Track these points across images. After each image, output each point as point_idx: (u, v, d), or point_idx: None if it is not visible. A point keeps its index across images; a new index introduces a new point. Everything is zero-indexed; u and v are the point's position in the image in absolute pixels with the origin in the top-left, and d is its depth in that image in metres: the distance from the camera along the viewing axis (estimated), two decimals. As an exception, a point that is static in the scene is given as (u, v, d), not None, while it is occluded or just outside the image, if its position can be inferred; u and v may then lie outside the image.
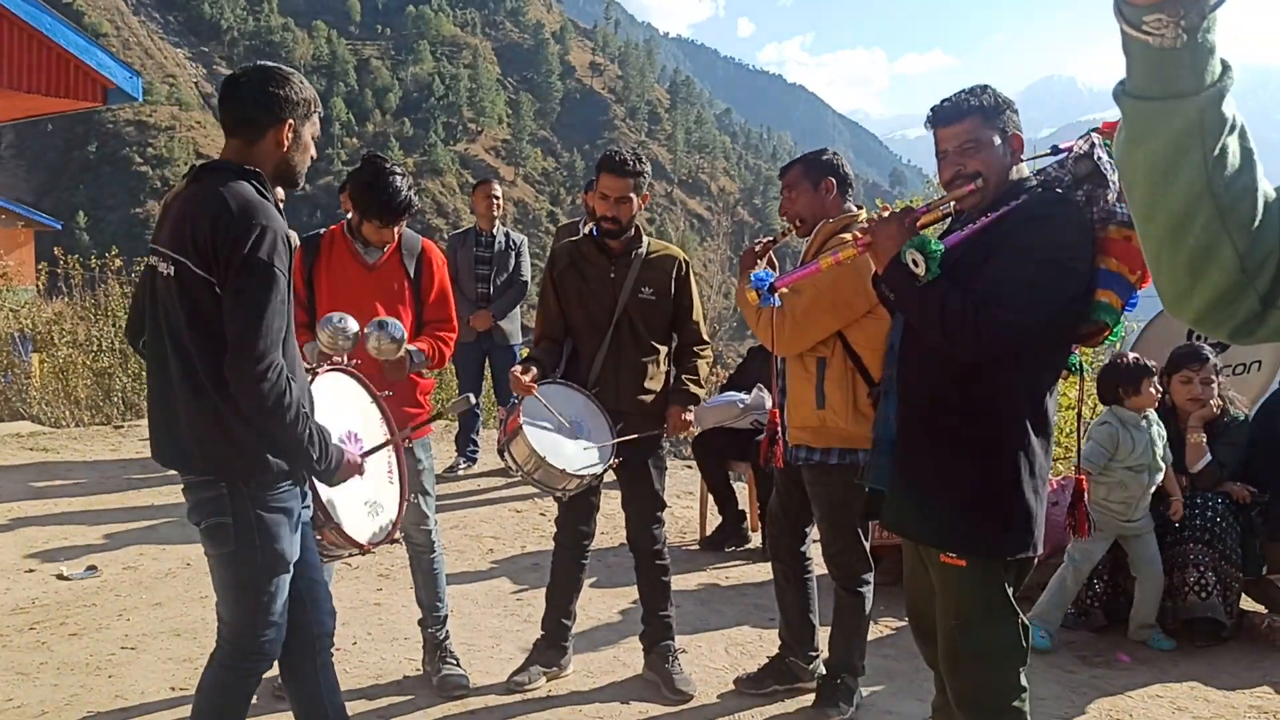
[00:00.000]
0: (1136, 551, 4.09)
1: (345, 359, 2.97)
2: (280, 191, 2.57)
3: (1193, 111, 0.99)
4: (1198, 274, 1.04)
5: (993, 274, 2.26)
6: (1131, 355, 4.14)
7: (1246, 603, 4.33)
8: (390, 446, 2.85)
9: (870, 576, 3.38)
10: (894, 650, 3.95)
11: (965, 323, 2.23)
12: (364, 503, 2.76)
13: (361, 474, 2.59)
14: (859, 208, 3.34)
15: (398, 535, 2.99)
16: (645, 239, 3.59)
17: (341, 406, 2.77)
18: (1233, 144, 1.01)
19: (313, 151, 2.45)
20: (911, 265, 2.29)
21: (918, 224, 2.41)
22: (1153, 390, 4.04)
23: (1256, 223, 1.02)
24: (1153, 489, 4.06)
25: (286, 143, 2.34)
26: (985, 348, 2.25)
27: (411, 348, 3.34)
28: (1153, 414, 4.10)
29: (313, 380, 2.64)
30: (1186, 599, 4.03)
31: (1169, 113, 0.99)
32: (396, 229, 3.41)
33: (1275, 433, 4.32)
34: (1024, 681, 2.39)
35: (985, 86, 2.41)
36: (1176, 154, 1.00)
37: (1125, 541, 4.10)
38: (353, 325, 2.99)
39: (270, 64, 2.39)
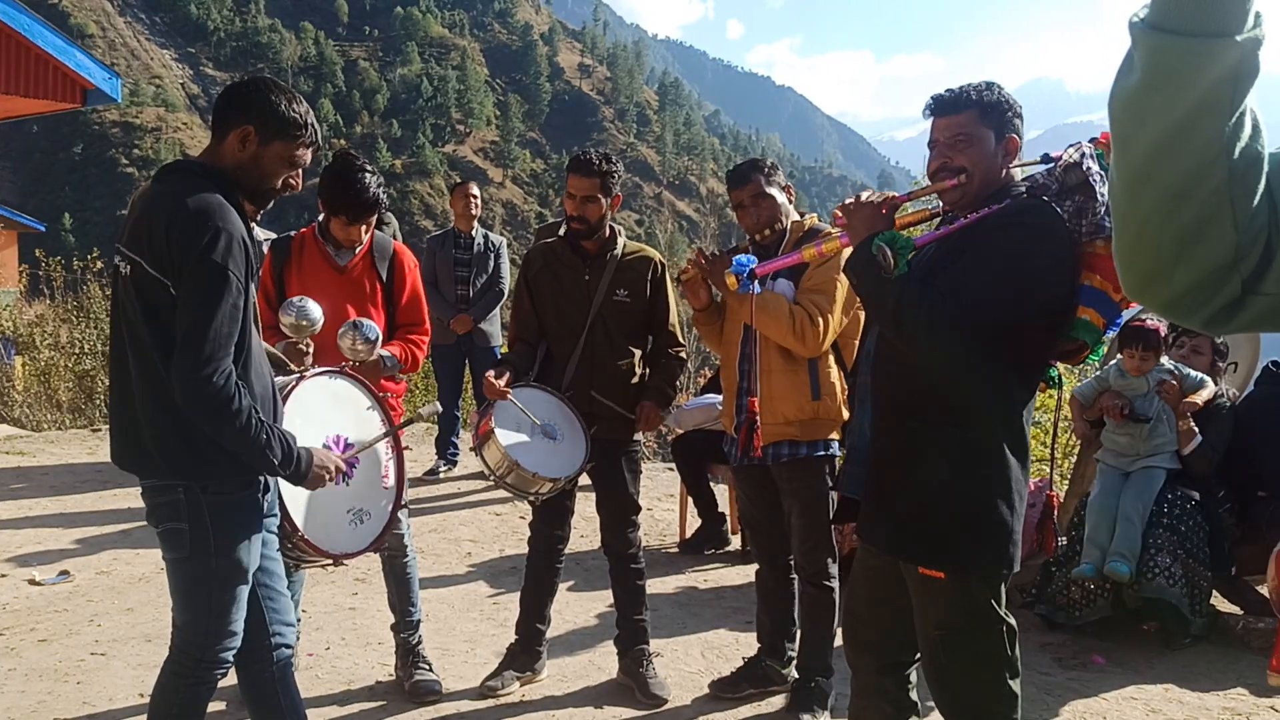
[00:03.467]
0: (1134, 484, 4.13)
1: (309, 346, 2.98)
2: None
3: (1232, 55, 0.84)
4: (1186, 252, 0.91)
5: (956, 273, 2.21)
6: (1150, 320, 4.15)
7: (1222, 604, 4.33)
8: (389, 448, 2.82)
9: (836, 570, 3.38)
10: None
11: (918, 319, 2.17)
12: (346, 511, 2.70)
13: (348, 476, 2.56)
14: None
15: (384, 545, 2.96)
16: (620, 240, 3.58)
17: (333, 410, 2.73)
18: (1249, 103, 0.88)
19: (281, 180, 2.31)
20: (879, 258, 2.24)
21: (897, 210, 2.35)
22: (1135, 357, 4.15)
23: (1257, 197, 0.90)
24: (1164, 430, 4.14)
25: (243, 147, 2.26)
26: (936, 346, 2.19)
27: (384, 352, 3.33)
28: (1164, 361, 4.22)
29: (297, 385, 2.61)
30: (1153, 580, 3.96)
31: (1205, 53, 0.84)
32: (364, 228, 3.39)
33: (1250, 435, 4.33)
34: (1016, 689, 2.32)
35: (992, 84, 2.35)
36: (1203, 105, 0.86)
37: (1133, 477, 4.17)
38: (314, 308, 2.97)
39: (275, 80, 2.33)
